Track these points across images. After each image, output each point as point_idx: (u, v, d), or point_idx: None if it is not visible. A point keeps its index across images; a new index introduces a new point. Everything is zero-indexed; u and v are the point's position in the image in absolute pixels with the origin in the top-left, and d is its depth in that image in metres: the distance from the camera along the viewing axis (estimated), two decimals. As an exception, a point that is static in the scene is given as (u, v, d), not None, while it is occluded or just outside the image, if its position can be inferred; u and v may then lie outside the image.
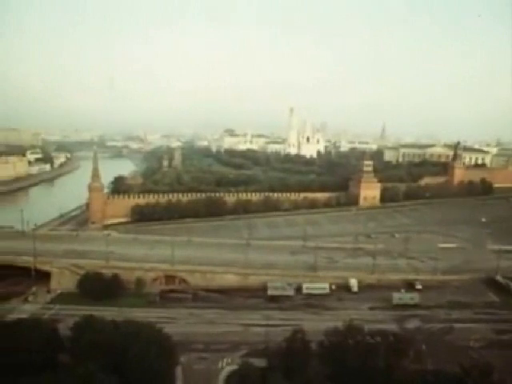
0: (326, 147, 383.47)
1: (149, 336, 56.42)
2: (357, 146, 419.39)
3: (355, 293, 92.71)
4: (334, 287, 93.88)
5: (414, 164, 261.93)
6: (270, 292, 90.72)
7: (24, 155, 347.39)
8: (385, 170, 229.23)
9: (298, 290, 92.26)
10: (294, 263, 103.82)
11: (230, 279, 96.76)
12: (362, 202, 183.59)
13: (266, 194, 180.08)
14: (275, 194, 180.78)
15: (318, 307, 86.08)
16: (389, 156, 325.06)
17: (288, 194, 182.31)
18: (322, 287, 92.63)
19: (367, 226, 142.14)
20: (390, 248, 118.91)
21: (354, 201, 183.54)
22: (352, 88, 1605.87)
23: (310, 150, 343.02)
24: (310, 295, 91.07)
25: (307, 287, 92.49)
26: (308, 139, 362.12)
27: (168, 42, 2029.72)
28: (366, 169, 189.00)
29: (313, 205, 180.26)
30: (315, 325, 73.04)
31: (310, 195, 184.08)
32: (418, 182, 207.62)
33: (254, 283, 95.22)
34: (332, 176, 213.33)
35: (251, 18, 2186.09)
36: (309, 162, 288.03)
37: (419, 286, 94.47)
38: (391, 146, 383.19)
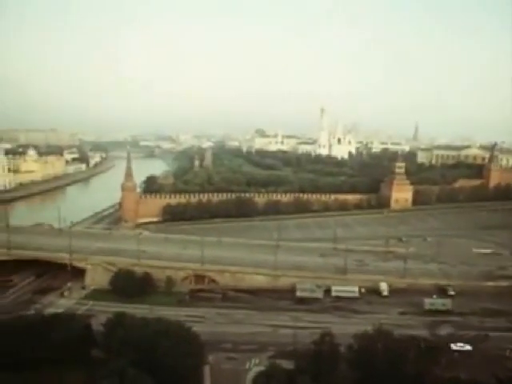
0: (357, 148, 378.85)
1: (178, 334, 57.32)
2: (389, 147, 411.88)
3: (385, 297, 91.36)
4: (363, 290, 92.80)
5: (447, 166, 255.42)
6: (298, 294, 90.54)
7: (62, 155, 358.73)
8: (417, 171, 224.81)
9: (327, 292, 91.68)
10: (323, 265, 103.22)
11: (259, 280, 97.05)
12: (393, 204, 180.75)
13: (297, 194, 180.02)
14: (305, 195, 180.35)
15: (347, 310, 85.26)
16: (422, 157, 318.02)
17: (318, 196, 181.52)
18: (352, 290, 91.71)
19: (398, 228, 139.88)
20: (422, 252, 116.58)
21: (385, 203, 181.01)
22: (385, 88, 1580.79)
23: (341, 151, 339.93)
24: (339, 298, 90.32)
25: (336, 290, 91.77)
26: (339, 140, 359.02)
27: (199, 45, 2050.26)
28: (398, 170, 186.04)
29: (343, 206, 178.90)
30: (344, 328, 72.43)
31: (341, 197, 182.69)
32: (452, 184, 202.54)
33: (283, 284, 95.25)
34: (363, 177, 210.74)
35: (278, 19, 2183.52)
36: (340, 163, 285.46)
37: (452, 292, 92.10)
38: (424, 148, 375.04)
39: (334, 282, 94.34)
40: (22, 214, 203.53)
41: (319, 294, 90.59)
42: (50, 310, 79.20)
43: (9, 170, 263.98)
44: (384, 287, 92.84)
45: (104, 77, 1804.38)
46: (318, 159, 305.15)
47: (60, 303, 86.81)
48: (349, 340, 60.19)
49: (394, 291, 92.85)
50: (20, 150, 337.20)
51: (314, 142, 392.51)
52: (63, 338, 56.40)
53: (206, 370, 61.47)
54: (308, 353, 59.48)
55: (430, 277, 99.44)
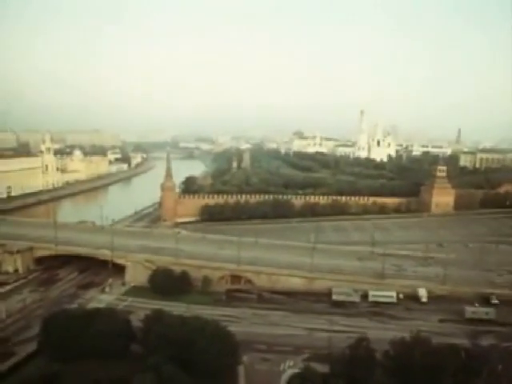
0: (397, 151, 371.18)
1: (214, 333, 58.09)
2: (430, 150, 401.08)
3: (424, 303, 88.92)
4: (401, 296, 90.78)
5: (492, 170, 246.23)
6: (335, 297, 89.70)
7: (105, 155, 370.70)
8: (460, 175, 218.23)
9: (364, 296, 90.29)
10: (360, 269, 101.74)
11: (296, 282, 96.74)
12: (434, 208, 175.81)
13: (334, 197, 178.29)
14: (343, 198, 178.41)
15: (384, 316, 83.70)
16: (465, 161, 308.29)
17: (356, 198, 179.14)
18: (389, 295, 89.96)
19: (439, 233, 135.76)
20: (463, 258, 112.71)
21: (425, 207, 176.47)
22: (427, 90, 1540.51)
23: (380, 154, 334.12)
24: (376, 303, 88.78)
25: (373, 295, 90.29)
26: (378, 142, 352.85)
27: (242, 50, 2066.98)
28: (439, 174, 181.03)
29: (382, 210, 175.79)
30: (380, 334, 71.33)
31: (380, 200, 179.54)
32: (497, 189, 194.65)
33: (319, 287, 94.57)
34: (403, 181, 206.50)
35: (319, 22, 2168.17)
36: (379, 165, 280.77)
37: (495, 301, 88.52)
38: (467, 151, 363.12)
39: (371, 286, 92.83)
40: (67, 212, 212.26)
41: (356, 298, 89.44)
42: (92, 305, 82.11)
43: (57, 170, 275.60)
44: (423, 293, 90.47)
45: (146, 80, 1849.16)
46: (357, 162, 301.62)
47: (101, 298, 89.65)
48: (385, 346, 59.23)
49: (433, 298, 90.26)
50: (67, 150, 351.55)
51: (352, 145, 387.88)
52: (104, 332, 58.42)
53: (241, 369, 61.91)
54: (343, 357, 58.84)
55: (472, 284, 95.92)
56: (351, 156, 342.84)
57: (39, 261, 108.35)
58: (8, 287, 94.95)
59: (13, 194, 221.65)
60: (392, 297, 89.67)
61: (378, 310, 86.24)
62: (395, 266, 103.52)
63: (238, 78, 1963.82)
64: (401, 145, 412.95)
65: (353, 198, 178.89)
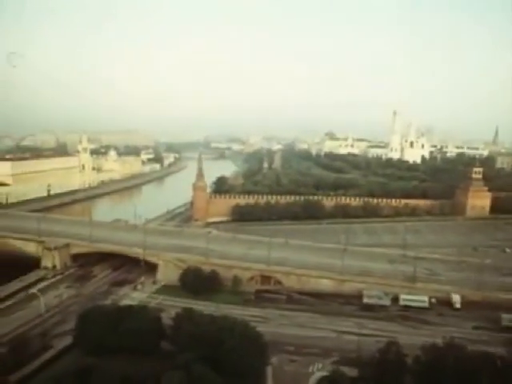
0: (430, 152, 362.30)
1: (243, 333, 58.63)
2: (465, 151, 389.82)
3: (457, 309, 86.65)
4: (433, 301, 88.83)
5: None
6: (365, 300, 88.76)
7: (139, 155, 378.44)
8: (497, 177, 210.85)
9: (395, 300, 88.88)
10: (391, 272, 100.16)
11: (325, 284, 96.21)
12: (468, 211, 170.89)
13: (366, 199, 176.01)
14: (375, 200, 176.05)
15: (416, 321, 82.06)
16: (502, 163, 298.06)
17: (388, 200, 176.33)
18: (421, 300, 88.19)
19: (473, 237, 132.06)
20: (500, 264, 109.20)
21: (459, 210, 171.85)
22: (462, 90, 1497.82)
23: (413, 155, 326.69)
24: (407, 307, 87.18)
25: (405, 298, 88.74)
26: (412, 144, 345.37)
27: (273, 52, 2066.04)
28: (474, 176, 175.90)
29: (414, 212, 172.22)
30: (411, 339, 70.27)
31: (412, 202, 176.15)
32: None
33: (348, 290, 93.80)
34: (436, 183, 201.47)
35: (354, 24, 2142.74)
36: (412, 167, 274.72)
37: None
38: (505, 152, 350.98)
39: (402, 290, 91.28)
40: (102, 210, 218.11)
41: (386, 302, 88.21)
42: (125, 302, 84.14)
43: (93, 169, 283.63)
44: (456, 299, 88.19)
45: (179, 81, 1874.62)
46: (389, 163, 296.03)
47: (133, 296, 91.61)
48: (416, 351, 58.33)
49: (467, 304, 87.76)
50: (102, 150, 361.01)
51: (385, 146, 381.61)
52: (135, 329, 59.93)
53: (269, 370, 62.12)
54: (372, 361, 58.34)
55: (509, 291, 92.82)
56: (383, 157, 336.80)
57: (75, 257, 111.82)
58: (46, 282, 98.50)
59: (52, 192, 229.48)
60: (424, 301, 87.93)
61: (409, 314, 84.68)
62: (427, 270, 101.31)
63: (270, 79, 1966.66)
64: (435, 146, 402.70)
65: (384, 200, 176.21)
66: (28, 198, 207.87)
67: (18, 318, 78.88)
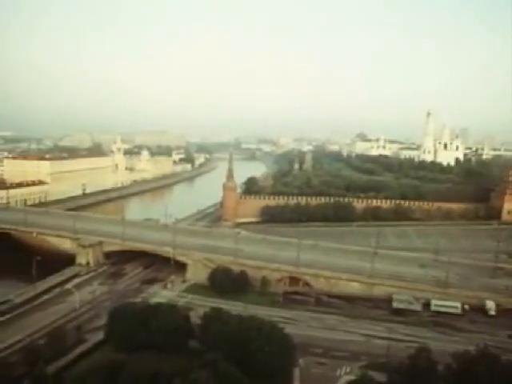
0: (465, 155, 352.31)
1: (270, 333, 58.88)
2: (502, 153, 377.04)
3: (492, 316, 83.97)
4: (466, 307, 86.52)
5: None
6: (395, 304, 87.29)
7: (170, 155, 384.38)
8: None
9: (426, 305, 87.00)
10: (422, 277, 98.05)
11: (354, 287, 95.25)
12: (505, 215, 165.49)
13: (397, 201, 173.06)
14: (407, 202, 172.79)
15: (447, 327, 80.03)
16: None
17: (421, 203, 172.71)
18: (454, 306, 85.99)
19: (510, 243, 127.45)
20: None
21: (495, 214, 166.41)
22: (502, 91, 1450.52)
23: (447, 157, 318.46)
24: (438, 313, 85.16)
25: (436, 304, 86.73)
26: (445, 145, 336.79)
27: (303, 46, 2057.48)
28: (511, 179, 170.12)
29: (447, 216, 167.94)
30: (442, 345, 68.73)
31: (445, 205, 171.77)
32: None
33: (378, 293, 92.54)
34: (471, 186, 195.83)
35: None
36: (445, 169, 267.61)
37: None
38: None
39: (433, 295, 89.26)
40: (134, 209, 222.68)
41: (417, 307, 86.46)
42: (155, 300, 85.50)
43: (126, 169, 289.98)
44: (491, 306, 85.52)
45: (211, 82, 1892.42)
46: (422, 165, 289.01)
47: (163, 294, 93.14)
48: (447, 359, 57.03)
49: (502, 311, 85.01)
50: (135, 150, 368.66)
51: (417, 147, 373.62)
52: (164, 327, 61.03)
53: (296, 372, 62.00)
54: (402, 367, 57.38)
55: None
56: (416, 159, 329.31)
57: (108, 255, 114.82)
58: (81, 279, 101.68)
59: (87, 191, 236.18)
60: (457, 307, 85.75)
61: (441, 320, 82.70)
62: (460, 276, 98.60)
63: (302, 80, 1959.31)
64: (470, 148, 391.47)
65: (416, 203, 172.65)
66: (64, 196, 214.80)
67: (55, 312, 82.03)
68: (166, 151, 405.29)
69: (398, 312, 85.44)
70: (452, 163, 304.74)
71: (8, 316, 79.92)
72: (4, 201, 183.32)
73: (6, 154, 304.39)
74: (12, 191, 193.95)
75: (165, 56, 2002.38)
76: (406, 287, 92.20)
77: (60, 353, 64.45)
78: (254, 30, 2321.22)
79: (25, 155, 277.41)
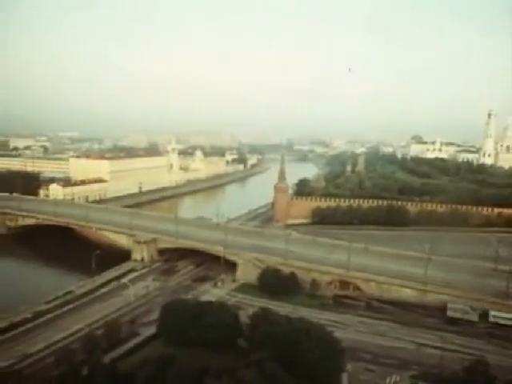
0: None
1: (318, 336, 58.46)
2: None
3: (558, 332, 78.91)
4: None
5: None
6: (449, 313, 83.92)
7: (223, 156, 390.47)
8: None
9: (483, 316, 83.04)
10: (480, 286, 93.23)
11: (407, 293, 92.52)
12: None
13: (454, 206, 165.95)
14: (464, 207, 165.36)
15: (507, 340, 75.66)
16: None
17: (479, 208, 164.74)
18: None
19: None
20: None
21: None
22: None
23: (509, 161, 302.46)
24: (497, 325, 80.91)
25: (495, 315, 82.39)
26: (508, 148, 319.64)
27: (359, 47, 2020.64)
28: None
29: (509, 222, 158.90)
30: (501, 359, 65.43)
31: (506, 211, 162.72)
32: None
33: (431, 301, 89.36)
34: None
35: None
36: (508, 174, 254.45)
37: None
38: None
39: (491, 306, 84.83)
40: (187, 208, 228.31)
41: (473, 317, 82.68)
42: (205, 298, 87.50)
43: (180, 168, 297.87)
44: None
45: (262, 84, 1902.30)
46: (481, 169, 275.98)
47: (213, 292, 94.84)
48: (507, 375, 54.26)
49: None
50: (189, 150, 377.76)
51: (477, 150, 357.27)
52: (214, 324, 62.33)
53: (344, 377, 61.17)
54: (456, 379, 55.31)
55: None
56: (475, 162, 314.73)
57: (161, 252, 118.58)
58: (136, 274, 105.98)
59: (143, 189, 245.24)
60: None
61: (500, 332, 78.35)
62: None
63: (354, 81, 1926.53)
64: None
65: (475, 208, 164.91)
66: (122, 193, 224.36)
67: (111, 305, 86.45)
68: (219, 152, 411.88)
69: (453, 321, 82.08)
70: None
71: (70, 306, 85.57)
72: (69, 197, 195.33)
73: (71, 153, 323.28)
74: (76, 188, 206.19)
75: (221, 57, 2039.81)
76: (461, 296, 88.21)
77: (115, 344, 67.68)
78: (316, 34, 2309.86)
79: (87, 155, 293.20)
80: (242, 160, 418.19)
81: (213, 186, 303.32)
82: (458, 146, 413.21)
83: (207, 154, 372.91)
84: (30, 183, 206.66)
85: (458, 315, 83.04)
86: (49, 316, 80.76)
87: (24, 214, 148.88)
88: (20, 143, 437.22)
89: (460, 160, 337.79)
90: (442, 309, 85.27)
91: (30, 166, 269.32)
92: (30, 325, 76.91)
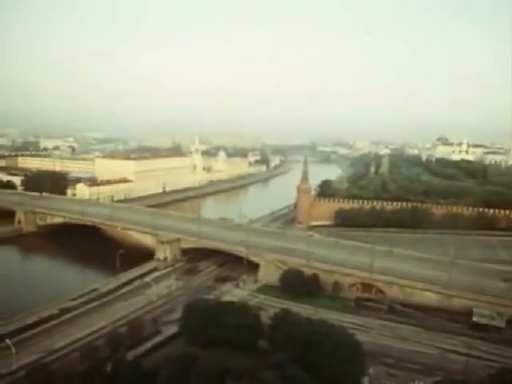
0: None
1: (340, 339, 58.22)
2: None
3: None
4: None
5: None
6: (475, 319, 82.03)
7: (246, 157, 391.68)
8: None
9: (511, 323, 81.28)
10: (506, 291, 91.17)
11: (430, 297, 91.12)
12: None
13: (481, 209, 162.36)
14: (491, 211, 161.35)
15: (536, 348, 73.87)
16: None
17: (507, 212, 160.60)
18: (544, 326, 79.25)
19: None
20: None
21: None
22: None
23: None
24: (525, 332, 79.02)
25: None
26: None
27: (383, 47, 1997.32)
28: None
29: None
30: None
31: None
32: None
33: (456, 306, 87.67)
34: None
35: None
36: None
37: None
38: None
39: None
40: (210, 208, 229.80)
41: (500, 323, 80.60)
42: (227, 298, 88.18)
43: (203, 169, 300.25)
44: None
45: (286, 85, 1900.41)
46: (510, 171, 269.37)
47: (235, 293, 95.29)
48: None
49: None
50: (212, 151, 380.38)
51: (505, 152, 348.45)
52: (235, 324, 62.63)
53: (366, 381, 60.58)
54: (481, 387, 54.13)
55: None
56: (503, 164, 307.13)
57: (184, 252, 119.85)
58: (159, 273, 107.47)
59: (166, 189, 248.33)
60: (547, 328, 78.89)
61: (528, 340, 76.54)
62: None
63: (377, 82, 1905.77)
64: None
65: (502, 211, 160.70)
66: (146, 193, 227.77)
67: (135, 303, 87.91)
68: (241, 152, 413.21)
69: (478, 327, 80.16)
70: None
71: (95, 303, 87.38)
72: (95, 197, 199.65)
73: (97, 153, 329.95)
74: (102, 188, 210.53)
75: (246, 59, 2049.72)
76: (487, 301, 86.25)
77: (138, 342, 68.90)
78: (342, 35, 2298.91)
79: (113, 155, 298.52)
80: (264, 161, 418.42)
81: (235, 186, 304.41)
82: (486, 147, 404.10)
83: (230, 154, 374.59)
84: (58, 183, 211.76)
85: (483, 321, 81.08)
86: (74, 313, 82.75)
87: (53, 212, 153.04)
88: (49, 144, 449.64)
89: (487, 162, 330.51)
90: (466, 314, 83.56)
91: (58, 166, 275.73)
92: (55, 321, 79.01)
